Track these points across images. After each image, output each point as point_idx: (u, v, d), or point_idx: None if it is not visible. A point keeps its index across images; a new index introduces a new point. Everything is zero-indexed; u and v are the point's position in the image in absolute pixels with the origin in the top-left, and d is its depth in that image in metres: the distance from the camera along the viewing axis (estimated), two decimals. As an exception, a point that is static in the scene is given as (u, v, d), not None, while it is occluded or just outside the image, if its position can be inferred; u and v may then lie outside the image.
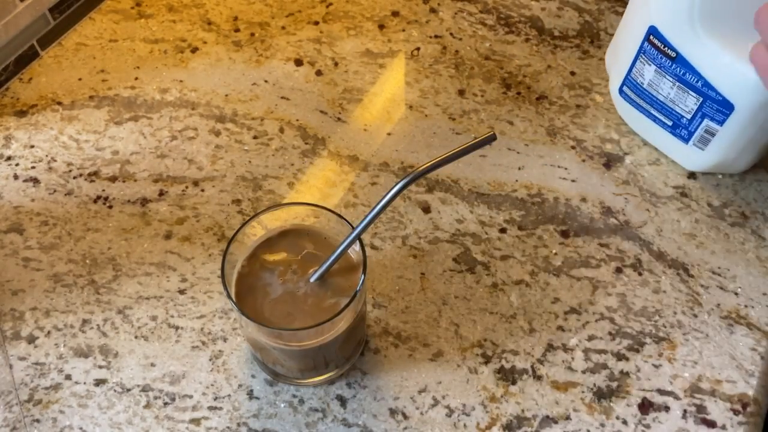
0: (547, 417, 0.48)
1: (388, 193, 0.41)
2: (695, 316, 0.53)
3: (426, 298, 0.54)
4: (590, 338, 0.52)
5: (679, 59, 0.54)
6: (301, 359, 0.47)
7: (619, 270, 0.55)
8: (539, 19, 0.72)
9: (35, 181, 0.59)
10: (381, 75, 0.67)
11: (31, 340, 0.51)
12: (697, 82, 0.54)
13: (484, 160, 0.61)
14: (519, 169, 0.61)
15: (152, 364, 0.50)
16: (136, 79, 0.66)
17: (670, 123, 0.59)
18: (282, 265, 0.46)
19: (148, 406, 0.49)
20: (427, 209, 0.58)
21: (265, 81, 0.66)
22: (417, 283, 0.54)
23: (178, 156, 0.61)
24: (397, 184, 0.40)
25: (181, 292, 0.54)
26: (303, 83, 0.66)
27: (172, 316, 0.52)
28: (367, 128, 0.64)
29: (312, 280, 0.45)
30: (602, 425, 0.48)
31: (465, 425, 0.48)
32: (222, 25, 0.71)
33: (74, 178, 0.60)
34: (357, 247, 0.44)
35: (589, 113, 0.65)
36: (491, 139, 0.37)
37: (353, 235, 0.43)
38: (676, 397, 0.49)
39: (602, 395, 0.49)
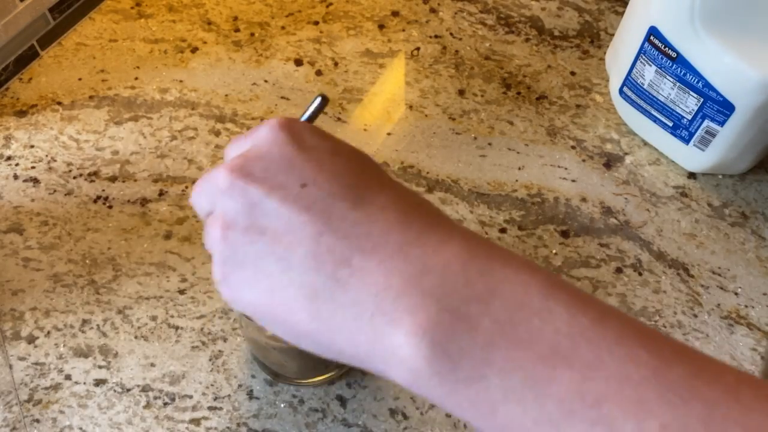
0: (547, 417, 0.48)
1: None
2: (695, 316, 0.53)
3: (426, 299, 0.53)
4: (590, 338, 0.52)
5: (679, 60, 0.54)
6: (301, 359, 0.47)
7: (619, 270, 0.55)
8: (539, 19, 0.72)
9: (35, 181, 0.59)
10: (381, 75, 0.67)
11: (31, 340, 0.51)
12: (697, 82, 0.54)
13: (484, 160, 0.61)
14: (519, 169, 0.61)
15: (152, 364, 0.50)
16: (136, 79, 0.66)
17: (670, 123, 0.59)
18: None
19: (148, 406, 0.49)
20: (427, 209, 0.58)
21: (265, 81, 0.66)
22: (417, 283, 0.54)
23: (178, 156, 0.61)
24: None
25: (181, 292, 0.54)
26: (303, 83, 0.66)
27: (172, 316, 0.52)
28: (367, 128, 0.64)
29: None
30: (602, 425, 0.48)
31: (465, 425, 0.48)
32: (222, 25, 0.71)
33: (74, 178, 0.60)
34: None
35: (589, 113, 0.65)
36: (323, 101, 0.34)
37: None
38: (676, 398, 0.49)
39: (602, 395, 0.49)
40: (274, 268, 0.28)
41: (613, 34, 0.70)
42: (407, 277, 0.26)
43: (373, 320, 0.25)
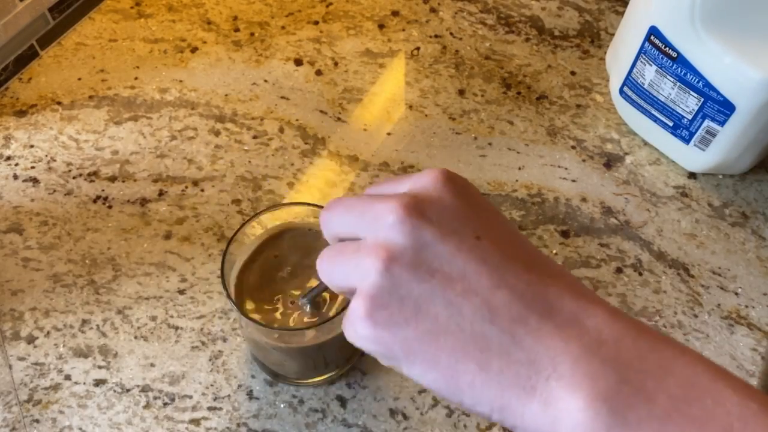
0: (548, 417, 0.48)
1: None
2: (696, 316, 0.53)
3: (426, 299, 0.53)
4: (590, 338, 0.52)
5: (680, 59, 0.54)
6: (301, 359, 0.47)
7: (619, 270, 0.55)
8: (539, 18, 0.72)
9: (35, 181, 0.59)
10: (381, 75, 0.67)
11: (31, 340, 0.51)
12: (698, 82, 0.54)
13: (484, 160, 0.61)
14: (519, 169, 0.61)
15: (152, 365, 0.50)
16: (136, 78, 0.66)
17: (670, 123, 0.59)
18: (281, 264, 0.46)
19: (147, 406, 0.49)
20: (427, 209, 0.58)
21: (265, 81, 0.66)
22: (417, 283, 0.54)
23: (178, 156, 0.61)
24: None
25: (181, 292, 0.54)
26: (303, 83, 0.66)
27: (172, 317, 0.52)
28: (367, 128, 0.63)
29: (301, 302, 0.45)
30: (602, 426, 0.48)
31: (465, 425, 0.48)
32: (222, 25, 0.71)
33: (74, 178, 0.60)
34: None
35: (590, 113, 0.65)
36: None
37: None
38: (677, 398, 0.49)
39: (602, 396, 0.49)
40: (442, 311, 0.27)
41: (613, 34, 0.70)
42: (585, 344, 0.26)
43: (549, 381, 0.26)
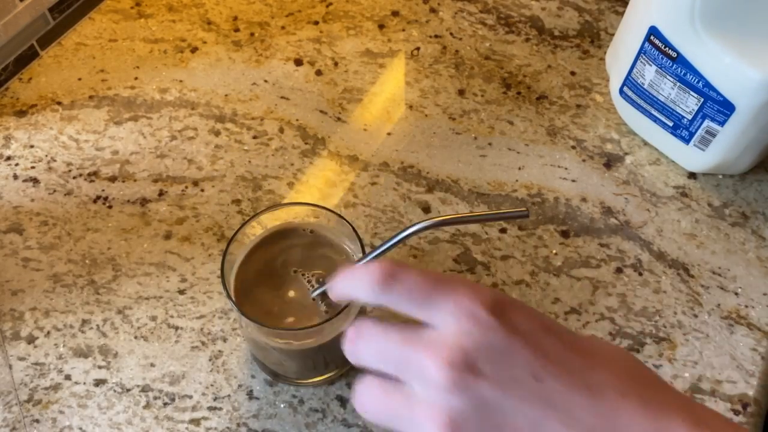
0: (548, 417, 0.48)
1: (398, 235, 0.38)
2: (695, 316, 0.53)
3: (426, 299, 0.53)
4: (590, 338, 0.52)
5: (679, 59, 0.54)
6: (301, 359, 0.47)
7: (619, 270, 0.55)
8: (539, 18, 0.72)
9: (35, 181, 0.59)
10: (381, 75, 0.67)
11: (31, 340, 0.51)
12: (698, 82, 0.54)
13: (484, 160, 0.61)
14: (519, 169, 0.61)
15: (152, 365, 0.50)
16: (136, 79, 0.66)
17: (670, 123, 0.59)
18: (281, 265, 0.46)
19: (147, 406, 0.49)
20: (427, 209, 0.58)
21: (265, 81, 0.66)
22: (417, 283, 0.54)
23: (178, 156, 0.61)
24: (409, 228, 0.37)
25: (181, 292, 0.54)
26: (303, 83, 0.66)
27: (172, 317, 0.52)
28: (367, 128, 0.63)
29: (312, 295, 0.45)
30: (602, 426, 0.48)
31: (465, 426, 0.48)
32: (222, 25, 0.71)
33: (74, 178, 0.60)
34: (358, 250, 0.44)
35: (590, 113, 0.65)
36: (524, 215, 0.36)
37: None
38: (677, 398, 0.49)
39: (602, 396, 0.49)
40: None
41: (613, 34, 0.70)
42: None
43: None
